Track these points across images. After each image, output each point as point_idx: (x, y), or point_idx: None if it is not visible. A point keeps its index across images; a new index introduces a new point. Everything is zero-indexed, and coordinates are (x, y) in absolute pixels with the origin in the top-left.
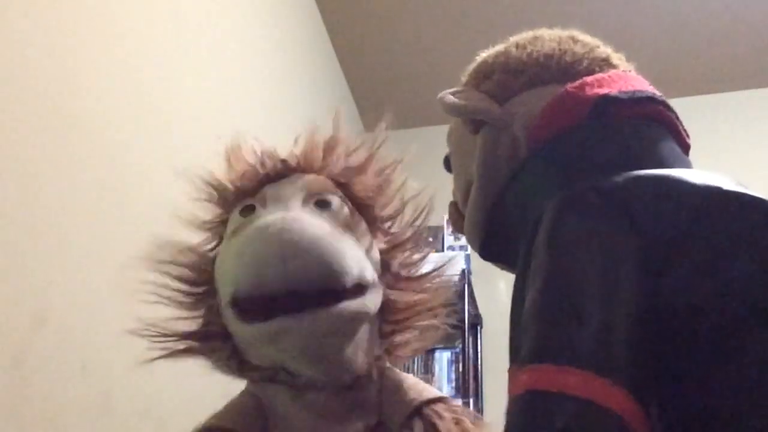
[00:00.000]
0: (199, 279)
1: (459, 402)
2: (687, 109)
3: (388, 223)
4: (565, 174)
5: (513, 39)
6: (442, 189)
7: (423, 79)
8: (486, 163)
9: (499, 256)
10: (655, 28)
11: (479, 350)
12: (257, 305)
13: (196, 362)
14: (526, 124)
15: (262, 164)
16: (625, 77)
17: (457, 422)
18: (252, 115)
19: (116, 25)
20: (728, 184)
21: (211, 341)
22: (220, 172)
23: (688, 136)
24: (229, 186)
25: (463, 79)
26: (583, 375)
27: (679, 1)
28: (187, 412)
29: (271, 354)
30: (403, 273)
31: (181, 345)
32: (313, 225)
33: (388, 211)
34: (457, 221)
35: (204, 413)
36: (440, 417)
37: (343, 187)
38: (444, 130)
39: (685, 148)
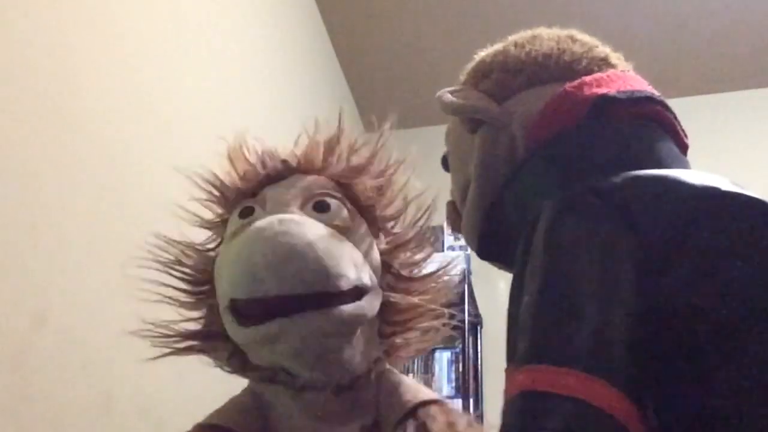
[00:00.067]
0: (201, 279)
1: (457, 403)
2: (687, 109)
3: (390, 224)
4: (563, 174)
5: (511, 38)
6: (442, 189)
7: (423, 79)
8: (484, 163)
9: (496, 256)
10: (655, 28)
11: (479, 350)
12: (254, 309)
13: (195, 362)
14: (524, 123)
15: (263, 164)
16: (624, 77)
17: (450, 425)
18: (252, 115)
19: (116, 25)
20: (726, 185)
21: (212, 341)
22: (222, 172)
23: (686, 136)
24: (230, 186)
25: (462, 78)
26: (580, 376)
27: (679, 1)
28: (187, 412)
29: (269, 355)
30: (405, 273)
31: (182, 344)
32: (310, 228)
33: (389, 211)
34: (455, 221)
35: (204, 413)
36: (433, 419)
37: (344, 187)
38: (443, 130)
39: (684, 148)
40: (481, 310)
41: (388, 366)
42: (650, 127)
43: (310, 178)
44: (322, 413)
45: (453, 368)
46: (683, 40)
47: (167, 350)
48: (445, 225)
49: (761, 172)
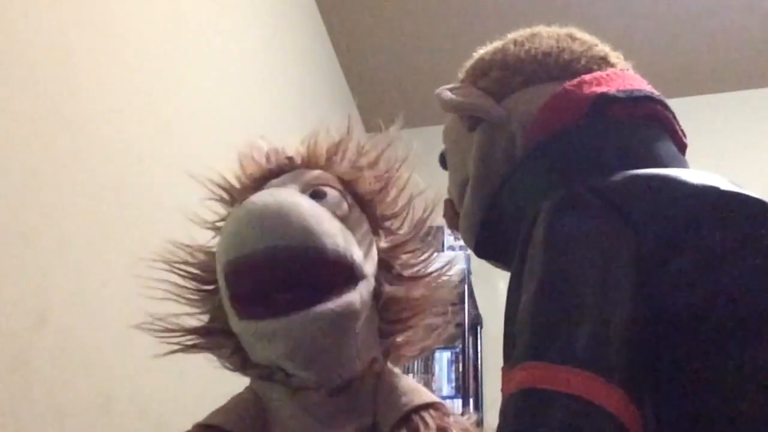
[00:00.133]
0: (207, 277)
1: (457, 403)
2: (687, 109)
3: (391, 223)
4: (562, 173)
5: (511, 36)
6: (441, 189)
7: (423, 79)
8: (482, 161)
9: (494, 255)
10: (655, 28)
11: (479, 350)
12: (248, 290)
13: (195, 362)
14: (523, 121)
15: (268, 160)
16: (623, 76)
17: (442, 431)
18: (252, 115)
19: (116, 25)
20: (725, 184)
21: (215, 337)
22: (229, 172)
23: (684, 135)
24: (236, 183)
25: (461, 75)
26: (578, 374)
27: (679, 1)
28: (187, 412)
29: (267, 353)
30: (406, 273)
31: (186, 340)
32: (300, 197)
33: (391, 209)
34: (452, 219)
35: (204, 413)
36: (425, 425)
37: (347, 184)
38: (442, 130)
39: (682, 147)
40: (481, 310)
41: (388, 366)
42: (649, 126)
43: (313, 172)
44: (317, 414)
45: (453, 368)
46: (683, 40)
47: (171, 347)
48: (444, 224)
49: (761, 172)
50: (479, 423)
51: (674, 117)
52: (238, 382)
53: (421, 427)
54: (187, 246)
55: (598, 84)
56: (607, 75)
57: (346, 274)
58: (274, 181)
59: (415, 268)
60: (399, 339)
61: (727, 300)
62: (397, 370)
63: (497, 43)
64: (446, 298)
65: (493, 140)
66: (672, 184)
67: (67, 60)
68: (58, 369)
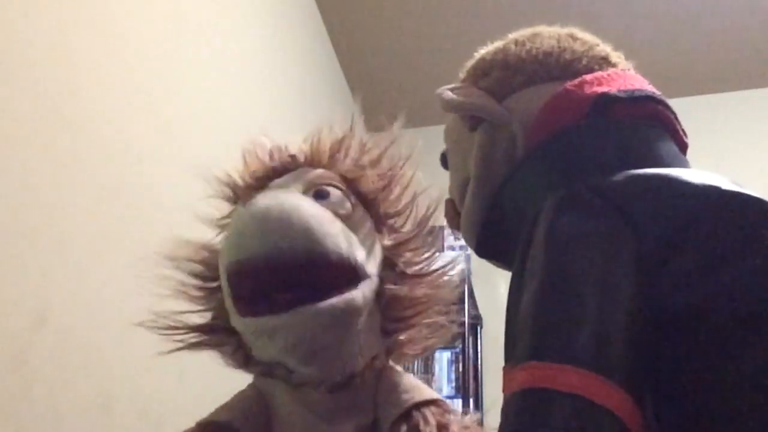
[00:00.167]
0: (209, 275)
1: (457, 403)
2: (687, 109)
3: (395, 221)
4: (562, 173)
5: (512, 36)
6: (442, 189)
7: (423, 79)
8: (483, 161)
9: (495, 254)
10: (655, 28)
11: (479, 350)
12: (249, 285)
13: (195, 362)
14: (524, 121)
15: (271, 158)
16: (625, 76)
17: (442, 427)
18: (252, 115)
19: (116, 25)
20: (726, 184)
21: (218, 334)
22: (234, 171)
23: (686, 135)
24: (240, 181)
25: (462, 75)
26: (580, 373)
27: (679, 1)
28: (187, 412)
29: (268, 349)
30: (409, 271)
31: (189, 337)
32: (302, 200)
33: (394, 207)
34: (453, 218)
35: (204, 413)
36: (426, 421)
37: (350, 182)
38: (443, 130)
39: (683, 147)
40: (481, 310)
41: (390, 364)
42: (651, 126)
43: (316, 171)
44: (318, 410)
45: (453, 368)
46: (683, 40)
47: (174, 345)
48: (445, 224)
49: (761, 172)
50: (479, 423)
51: (675, 117)
52: (238, 382)
53: (422, 423)
54: (191, 243)
55: (600, 84)
56: (609, 75)
57: (349, 275)
58: (277, 181)
59: (419, 266)
60: (402, 337)
61: (727, 300)
62: (398, 368)
63: (498, 43)
64: (449, 296)
65: (494, 140)
66: (673, 183)
67: (67, 60)
68: (58, 369)
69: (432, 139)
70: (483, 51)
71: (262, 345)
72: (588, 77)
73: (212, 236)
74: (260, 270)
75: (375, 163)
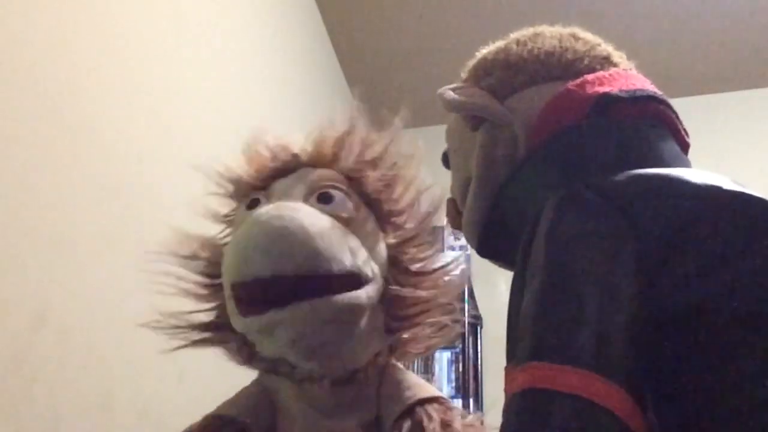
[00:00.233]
0: (213, 272)
1: (457, 403)
2: (687, 109)
3: (398, 218)
4: (564, 172)
5: (513, 35)
6: (444, 186)
7: (423, 79)
8: (485, 161)
9: (497, 254)
10: (655, 28)
11: (479, 350)
12: (254, 296)
13: (195, 362)
14: (526, 121)
15: (274, 157)
16: (626, 76)
17: (445, 424)
18: (252, 115)
19: (116, 25)
20: (728, 184)
21: (222, 331)
22: (236, 167)
23: (687, 135)
24: (243, 179)
25: (463, 75)
26: (581, 374)
27: (679, 1)
28: (187, 412)
29: (271, 345)
30: (413, 268)
31: (194, 335)
32: (306, 214)
33: (398, 206)
34: (455, 218)
35: (204, 413)
36: (429, 418)
37: (353, 181)
38: (443, 129)
39: (685, 147)
40: (481, 310)
41: (393, 361)
42: (652, 126)
43: (319, 172)
44: (320, 406)
45: (453, 368)
46: (683, 40)
47: (177, 344)
48: (445, 224)
49: (761, 172)
50: (481, 422)
51: (677, 116)
52: (238, 382)
53: (425, 419)
54: (194, 238)
55: (601, 84)
56: (610, 75)
57: (352, 282)
58: (280, 183)
59: (423, 263)
60: (405, 335)
61: (728, 300)
62: (401, 365)
63: (500, 43)
64: (452, 295)
65: (496, 140)
66: (674, 183)
67: (67, 60)
68: (58, 369)
69: (432, 139)
70: (485, 51)
71: (265, 341)
72: (590, 77)
73: (216, 232)
74: (263, 285)
75: (377, 159)
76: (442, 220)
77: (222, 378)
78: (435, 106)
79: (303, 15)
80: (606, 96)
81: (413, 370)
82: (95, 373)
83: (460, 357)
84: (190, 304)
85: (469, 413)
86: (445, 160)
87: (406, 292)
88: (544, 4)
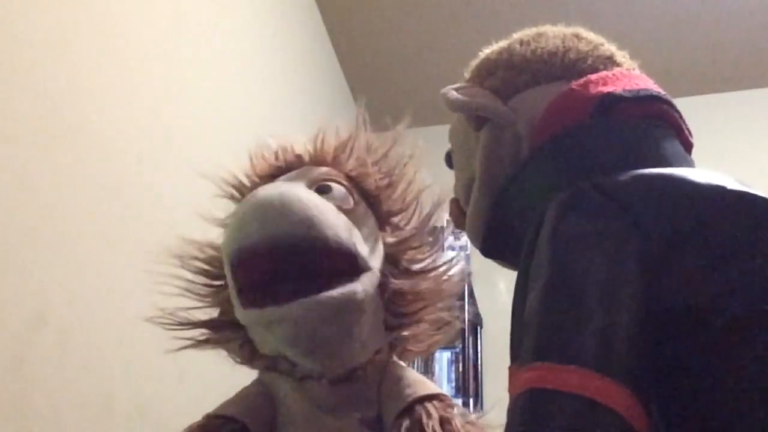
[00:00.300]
0: (215, 273)
1: (457, 402)
2: (687, 109)
3: (398, 218)
4: (567, 172)
5: (516, 36)
6: (446, 186)
7: (423, 79)
8: (488, 161)
9: (500, 254)
10: (655, 28)
11: (479, 350)
12: (252, 276)
13: (195, 362)
14: (529, 121)
15: (276, 158)
16: (630, 75)
17: (445, 422)
18: (252, 115)
19: (116, 25)
20: (731, 183)
21: (224, 331)
22: (239, 171)
23: (691, 134)
24: (245, 181)
25: (466, 75)
26: (585, 374)
27: (679, 1)
28: (187, 412)
29: (270, 341)
30: (413, 268)
31: (196, 334)
32: (305, 191)
33: (398, 205)
34: (459, 218)
35: (204, 413)
36: (428, 415)
37: (354, 181)
38: (444, 129)
39: (689, 147)
40: (481, 310)
41: (394, 359)
42: (656, 125)
43: (320, 169)
44: (320, 403)
45: (453, 368)
46: (683, 40)
47: (179, 344)
48: (445, 225)
49: (761, 172)
50: None
51: (680, 116)
52: (238, 382)
53: (424, 417)
54: (197, 242)
55: (605, 83)
56: (614, 74)
57: (349, 264)
58: (282, 178)
59: (422, 263)
60: (405, 333)
61: (730, 300)
62: (402, 363)
63: (503, 43)
64: (452, 292)
65: (500, 140)
66: (678, 183)
67: (67, 60)
68: (58, 369)
69: (432, 139)
70: (488, 51)
71: (264, 336)
72: (593, 77)
73: (217, 235)
74: (260, 257)
75: (380, 161)
76: (442, 220)
77: (222, 378)
78: (435, 106)
79: (303, 15)
80: (609, 96)
81: (414, 370)
82: (95, 373)
83: (460, 357)
84: (191, 304)
85: (473, 414)
86: (449, 160)
87: (406, 287)
88: (545, 4)
